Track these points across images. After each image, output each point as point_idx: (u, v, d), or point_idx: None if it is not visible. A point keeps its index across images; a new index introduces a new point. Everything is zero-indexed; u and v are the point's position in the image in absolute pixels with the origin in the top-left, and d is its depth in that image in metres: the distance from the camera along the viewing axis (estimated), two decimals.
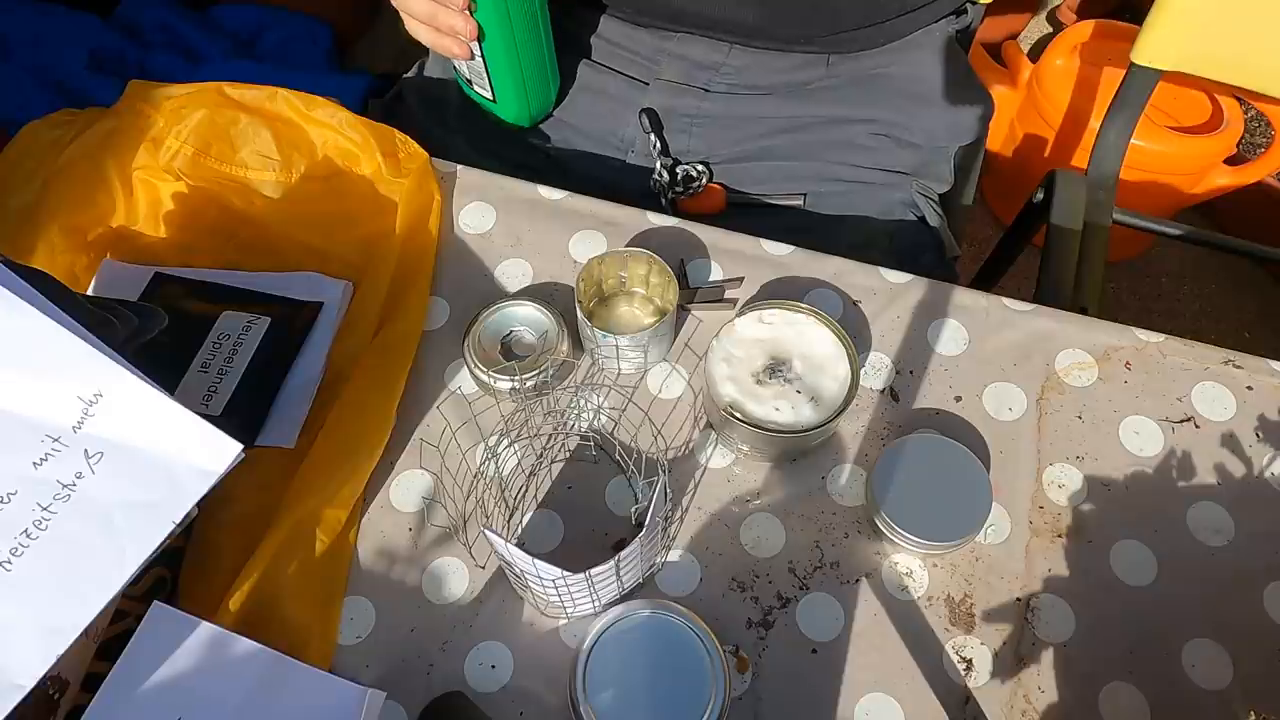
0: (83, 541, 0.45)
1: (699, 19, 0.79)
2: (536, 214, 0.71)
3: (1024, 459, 0.61)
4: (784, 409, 0.57)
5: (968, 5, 0.87)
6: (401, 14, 0.72)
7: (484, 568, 0.57)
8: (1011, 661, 0.55)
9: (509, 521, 0.59)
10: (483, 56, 0.73)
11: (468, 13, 0.68)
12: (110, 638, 0.51)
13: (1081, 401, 0.63)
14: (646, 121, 0.81)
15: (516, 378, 0.60)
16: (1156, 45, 0.92)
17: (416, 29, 0.72)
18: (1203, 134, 1.38)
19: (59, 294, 0.48)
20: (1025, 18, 1.86)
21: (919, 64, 0.83)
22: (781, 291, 0.68)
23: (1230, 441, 0.62)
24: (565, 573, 0.48)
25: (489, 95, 0.78)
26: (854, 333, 0.65)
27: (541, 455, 0.62)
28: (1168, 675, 0.54)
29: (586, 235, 0.70)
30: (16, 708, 0.42)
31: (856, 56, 0.82)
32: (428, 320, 0.66)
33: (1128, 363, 0.65)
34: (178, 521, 0.46)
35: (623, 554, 0.49)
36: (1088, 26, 1.46)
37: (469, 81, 0.79)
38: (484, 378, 0.61)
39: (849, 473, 0.61)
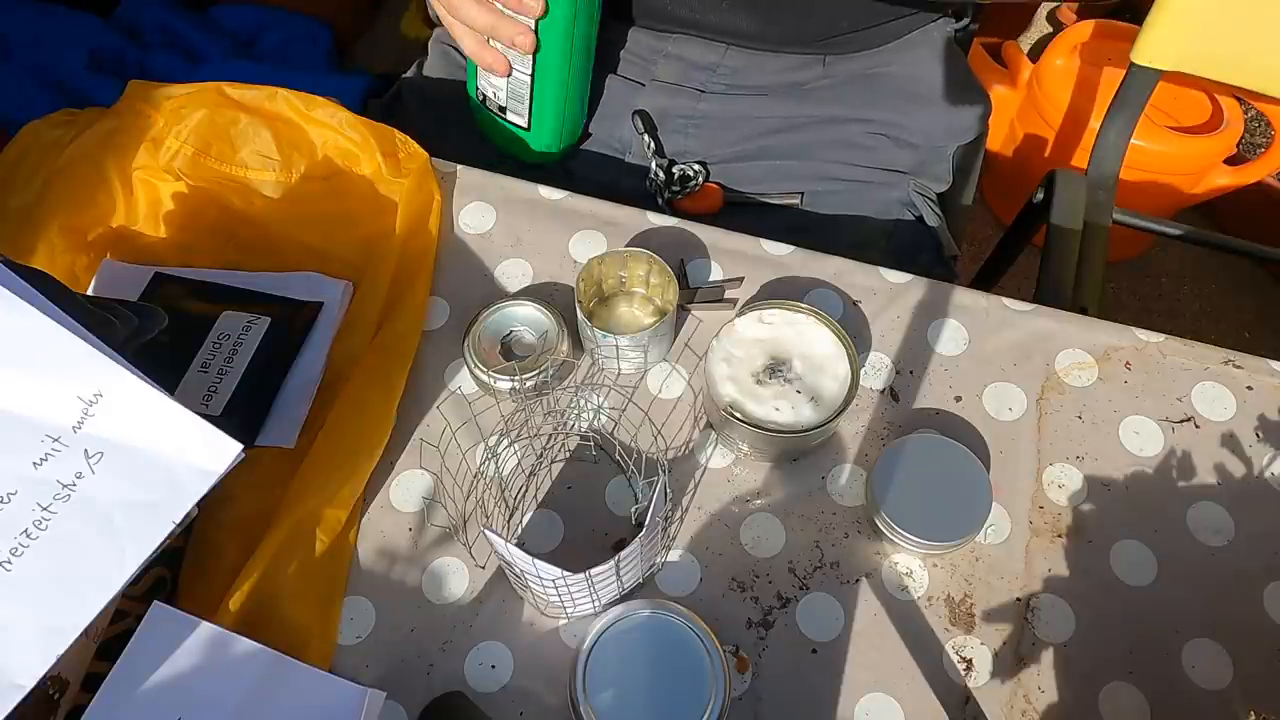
0: (83, 541, 0.45)
1: (695, 24, 0.79)
2: (536, 214, 0.71)
3: (1024, 459, 0.61)
4: (784, 409, 0.57)
5: (967, 6, 0.87)
6: (448, 23, 0.71)
7: (484, 568, 0.57)
8: (1011, 661, 0.55)
9: (509, 521, 0.59)
10: (532, 76, 0.72)
11: (530, 28, 0.67)
12: (110, 638, 0.51)
13: (1081, 401, 0.63)
14: (640, 123, 0.81)
15: (516, 378, 0.60)
16: (1156, 45, 0.92)
17: (463, 36, 0.71)
18: (1203, 134, 1.39)
19: (59, 294, 0.48)
20: (1025, 18, 1.86)
21: (917, 64, 0.83)
22: (781, 291, 0.68)
23: (1230, 441, 0.62)
24: (565, 573, 0.48)
25: (523, 120, 0.76)
26: (854, 333, 0.65)
27: (541, 455, 0.62)
28: (1168, 675, 0.54)
29: (586, 235, 0.70)
30: (16, 708, 0.42)
31: (853, 57, 0.82)
32: (428, 320, 0.66)
33: (1128, 363, 0.65)
34: (178, 521, 0.46)
35: (623, 554, 0.49)
36: (1088, 26, 1.46)
37: (501, 109, 0.76)
38: (484, 378, 0.61)
39: (849, 473, 0.61)
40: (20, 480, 0.45)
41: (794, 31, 0.78)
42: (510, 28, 0.68)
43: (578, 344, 0.65)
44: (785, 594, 0.57)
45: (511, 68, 0.71)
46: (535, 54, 0.70)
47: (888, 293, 0.67)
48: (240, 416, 0.60)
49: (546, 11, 0.67)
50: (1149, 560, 0.58)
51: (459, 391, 0.63)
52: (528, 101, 0.74)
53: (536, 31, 0.68)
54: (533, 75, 0.72)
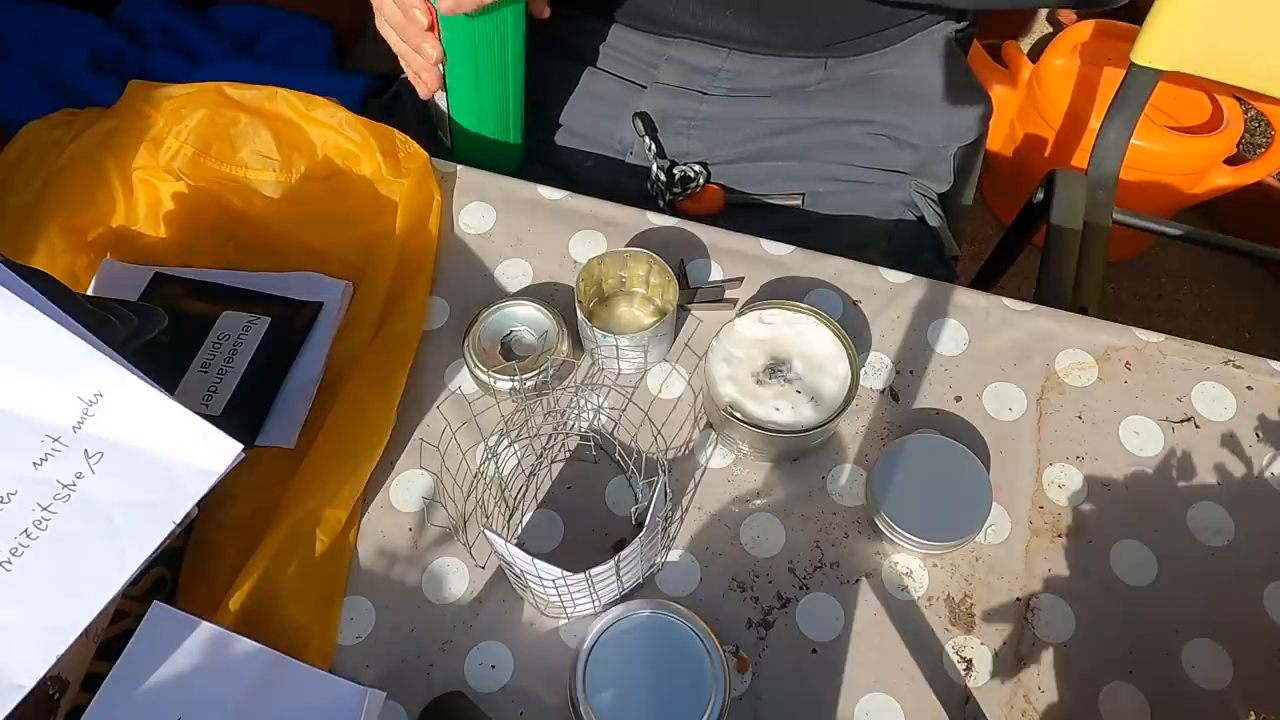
0: (83, 541, 0.45)
1: (697, 29, 0.79)
2: (536, 214, 0.71)
3: (1024, 459, 0.61)
4: (784, 409, 0.57)
5: (966, 11, 0.86)
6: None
7: (484, 568, 0.57)
8: (1011, 661, 0.55)
9: (509, 521, 0.59)
10: (447, 107, 0.72)
11: (432, 69, 0.67)
12: (110, 638, 0.51)
13: (1081, 401, 0.63)
14: (640, 125, 0.81)
15: (516, 378, 0.60)
16: (1156, 45, 0.92)
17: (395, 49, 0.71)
18: (1203, 134, 1.38)
19: (59, 294, 0.48)
20: (1025, 18, 1.86)
21: (918, 65, 0.83)
22: (781, 291, 0.68)
23: (1230, 441, 0.62)
24: (565, 573, 0.48)
25: (447, 142, 0.76)
26: (854, 333, 0.65)
27: (541, 455, 0.62)
28: (1168, 675, 0.54)
29: (586, 235, 0.70)
30: (16, 708, 0.42)
31: (855, 60, 0.82)
32: (428, 320, 0.66)
33: (1128, 363, 0.65)
34: (178, 521, 0.46)
35: (623, 554, 0.49)
36: (1088, 26, 1.46)
37: (436, 127, 0.77)
38: (484, 378, 0.61)
39: (849, 473, 0.61)
40: (20, 480, 0.45)
41: (797, 37, 0.78)
42: (416, 62, 0.68)
43: (578, 344, 0.65)
44: (785, 594, 0.57)
45: (432, 93, 0.71)
46: (445, 90, 0.70)
47: (888, 293, 0.67)
48: (240, 416, 0.60)
49: (445, 58, 0.67)
50: (1149, 560, 0.58)
51: (459, 391, 0.63)
52: (447, 126, 0.75)
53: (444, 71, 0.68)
54: (447, 106, 0.72)
